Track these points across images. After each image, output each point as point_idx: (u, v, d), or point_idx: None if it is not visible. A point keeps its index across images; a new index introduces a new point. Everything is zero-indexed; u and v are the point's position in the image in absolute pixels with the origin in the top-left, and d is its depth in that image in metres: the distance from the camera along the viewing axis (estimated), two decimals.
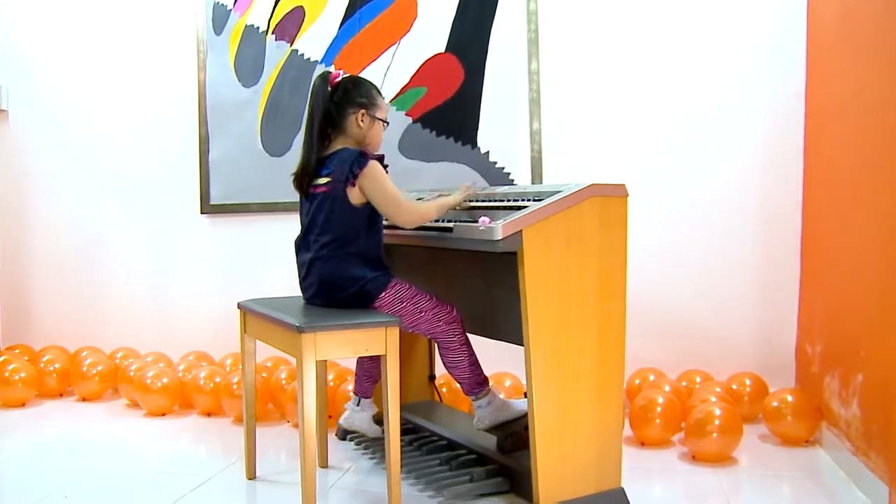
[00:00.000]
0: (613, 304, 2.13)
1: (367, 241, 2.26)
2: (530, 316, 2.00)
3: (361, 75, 2.58)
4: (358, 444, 2.81)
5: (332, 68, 2.33)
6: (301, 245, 2.34)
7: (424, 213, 2.28)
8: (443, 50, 3.44)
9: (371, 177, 2.21)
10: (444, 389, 3.10)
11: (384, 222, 2.34)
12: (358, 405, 2.54)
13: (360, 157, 2.22)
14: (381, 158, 2.29)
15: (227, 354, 3.68)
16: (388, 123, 2.43)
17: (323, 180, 2.26)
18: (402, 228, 2.32)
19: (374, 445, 2.74)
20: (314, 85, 2.34)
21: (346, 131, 2.33)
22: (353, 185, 2.20)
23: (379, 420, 2.45)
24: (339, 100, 2.32)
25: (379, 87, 2.43)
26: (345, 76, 2.37)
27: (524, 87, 3.35)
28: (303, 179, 2.30)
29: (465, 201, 2.42)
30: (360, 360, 2.57)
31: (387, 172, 2.27)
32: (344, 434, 2.90)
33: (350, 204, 2.22)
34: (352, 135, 2.33)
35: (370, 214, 2.26)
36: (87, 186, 4.05)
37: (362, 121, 2.33)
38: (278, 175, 3.66)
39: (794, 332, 3.11)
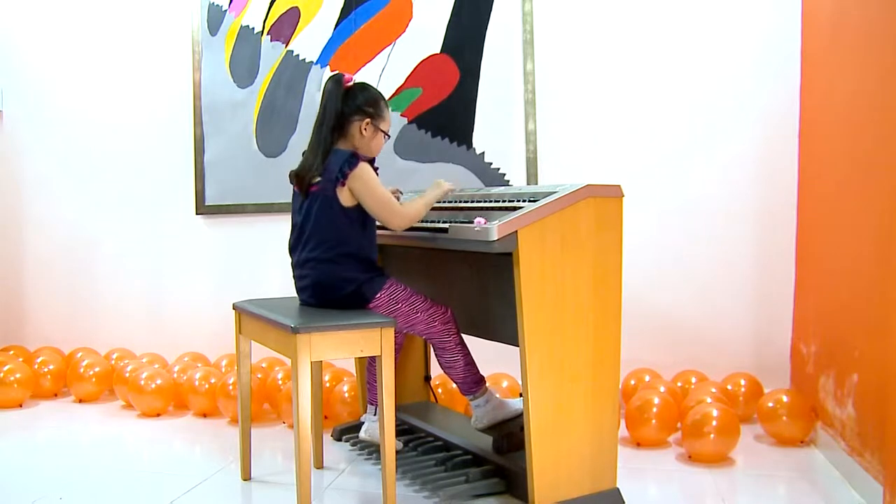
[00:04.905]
0: (609, 305, 2.13)
1: (361, 241, 2.27)
2: (525, 317, 2.00)
3: (362, 79, 2.59)
4: (353, 444, 2.80)
5: (346, 74, 2.37)
6: (296, 245, 2.34)
7: (414, 215, 2.28)
8: (438, 51, 3.44)
9: (361, 179, 2.21)
10: (439, 390, 3.10)
11: (377, 223, 2.34)
12: (375, 415, 2.52)
13: (351, 158, 2.22)
14: (371, 162, 2.30)
15: (222, 355, 3.68)
16: (388, 136, 2.44)
17: (315, 179, 2.26)
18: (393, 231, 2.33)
19: (369, 447, 2.73)
20: (326, 87, 2.34)
21: (348, 137, 2.33)
22: (343, 185, 2.21)
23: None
24: (348, 105, 2.31)
25: (386, 98, 2.43)
26: (356, 82, 2.37)
27: (519, 87, 3.35)
28: (303, 178, 2.29)
29: (451, 188, 2.43)
30: (369, 369, 2.57)
31: (377, 176, 2.27)
32: (340, 435, 2.89)
33: (341, 205, 2.22)
34: (353, 141, 2.33)
35: (362, 215, 2.26)
36: (81, 187, 4.05)
37: (365, 129, 2.33)
38: (274, 176, 3.66)
39: (789, 332, 3.12)
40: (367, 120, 2.33)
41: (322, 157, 2.26)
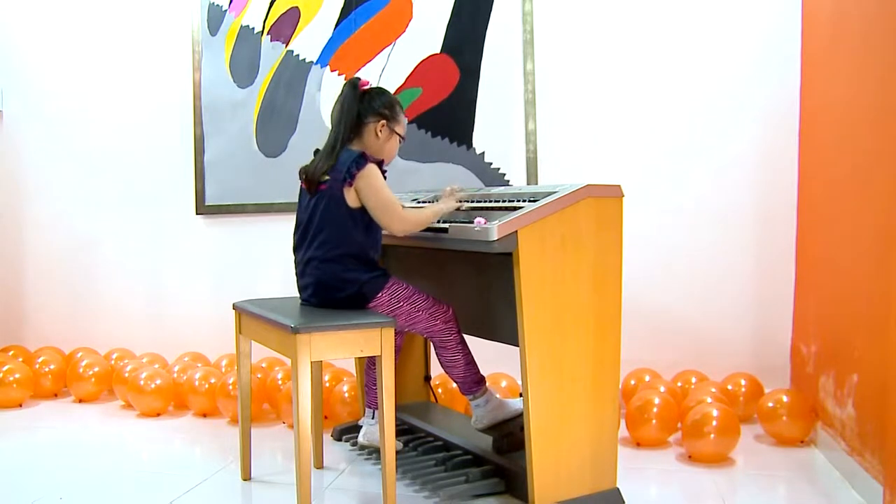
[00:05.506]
0: (609, 305, 2.13)
1: (365, 243, 2.27)
2: (525, 317, 2.00)
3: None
4: (353, 445, 2.80)
5: (354, 78, 2.41)
6: (299, 243, 2.34)
7: (417, 221, 2.27)
8: (438, 51, 3.44)
9: (367, 179, 2.21)
10: (439, 390, 3.10)
11: None
12: (373, 418, 2.53)
13: (360, 159, 2.22)
14: (379, 164, 2.29)
15: (222, 355, 3.68)
16: (404, 139, 2.44)
17: (324, 178, 2.27)
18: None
19: (369, 448, 2.73)
20: (343, 90, 2.35)
21: (363, 139, 2.34)
22: (350, 185, 2.21)
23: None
24: (364, 107, 2.33)
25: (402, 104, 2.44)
26: (374, 86, 2.39)
27: (519, 87, 3.35)
28: (312, 176, 2.28)
29: (460, 206, 2.42)
30: (368, 371, 2.57)
31: (385, 179, 2.27)
32: (340, 435, 2.89)
33: (347, 204, 2.22)
34: (367, 143, 2.34)
35: (368, 217, 2.25)
36: (82, 187, 4.05)
37: (380, 131, 2.34)
38: (273, 176, 3.66)
39: (789, 332, 3.12)
40: (383, 122, 2.34)
41: (335, 158, 2.26)
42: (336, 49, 3.59)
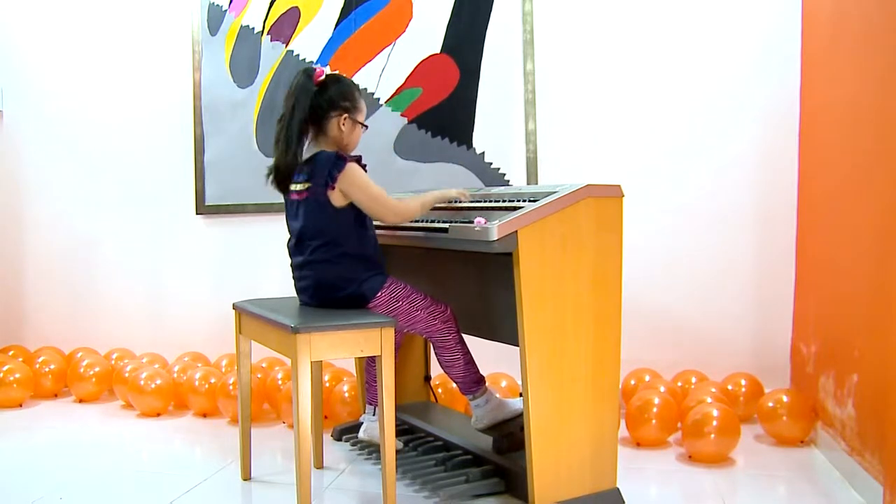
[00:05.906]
0: (609, 305, 2.13)
1: (360, 240, 2.27)
2: (526, 317, 2.00)
3: (351, 77, 2.56)
4: (353, 444, 2.80)
5: (317, 66, 2.33)
6: (295, 250, 2.34)
7: (408, 210, 2.28)
8: (438, 51, 3.44)
9: (350, 179, 2.20)
10: (439, 390, 3.10)
11: (375, 222, 2.35)
12: (374, 415, 2.53)
13: (338, 161, 2.21)
14: (358, 159, 2.29)
15: (222, 355, 3.68)
16: (366, 127, 2.42)
17: (301, 186, 2.25)
18: (391, 227, 2.32)
19: (369, 446, 2.73)
20: (297, 81, 2.29)
21: (327, 134, 2.31)
22: (333, 188, 2.20)
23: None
24: (324, 101, 2.29)
25: (359, 87, 2.40)
26: (328, 74, 2.33)
27: (519, 87, 3.35)
28: (282, 179, 2.28)
29: (452, 200, 2.42)
30: (368, 369, 2.57)
31: (365, 171, 2.26)
32: (340, 435, 2.89)
33: (334, 207, 2.22)
34: (331, 137, 2.32)
35: (357, 214, 2.26)
36: (82, 187, 4.04)
37: (343, 124, 2.31)
38: None
39: (789, 332, 3.12)
40: (345, 115, 2.31)
41: (294, 155, 2.23)
42: (336, 49, 3.58)
